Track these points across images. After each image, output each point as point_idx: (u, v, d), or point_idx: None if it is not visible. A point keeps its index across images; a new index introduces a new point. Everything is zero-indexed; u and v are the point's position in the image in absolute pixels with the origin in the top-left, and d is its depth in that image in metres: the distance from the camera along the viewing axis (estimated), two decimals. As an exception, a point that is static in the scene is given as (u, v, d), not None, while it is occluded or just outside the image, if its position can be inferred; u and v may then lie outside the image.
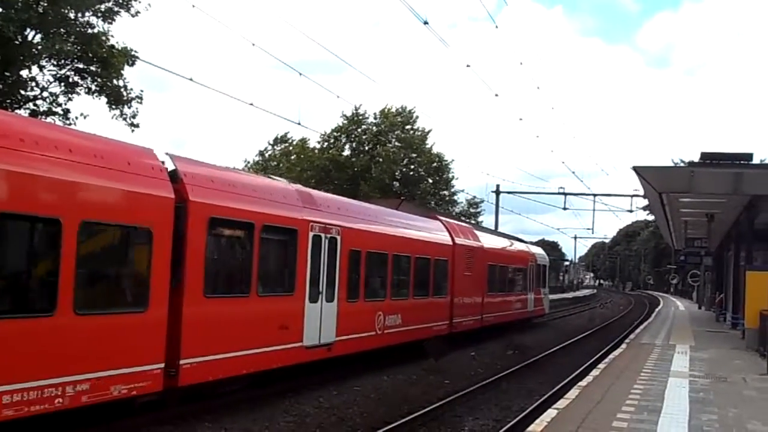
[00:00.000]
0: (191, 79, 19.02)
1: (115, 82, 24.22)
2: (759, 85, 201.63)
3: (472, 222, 52.35)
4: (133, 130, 24.89)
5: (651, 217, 71.76)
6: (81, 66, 23.98)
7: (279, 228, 13.82)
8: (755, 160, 23.85)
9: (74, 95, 24.47)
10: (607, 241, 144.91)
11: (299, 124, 36.10)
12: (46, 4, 22.08)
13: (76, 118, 24.20)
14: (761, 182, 20.74)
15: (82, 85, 24.31)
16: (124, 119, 24.81)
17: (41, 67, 23.67)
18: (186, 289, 11.18)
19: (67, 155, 9.39)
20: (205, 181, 11.97)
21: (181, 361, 11.03)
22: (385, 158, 53.22)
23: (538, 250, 38.72)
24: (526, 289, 33.50)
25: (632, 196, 47.68)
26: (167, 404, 11.42)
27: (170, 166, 11.39)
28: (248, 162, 60.27)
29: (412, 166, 55.99)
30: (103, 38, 23.61)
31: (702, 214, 27.44)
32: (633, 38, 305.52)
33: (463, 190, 60.29)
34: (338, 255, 15.66)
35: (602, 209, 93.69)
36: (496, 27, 41.24)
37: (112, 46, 23.73)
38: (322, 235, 15.06)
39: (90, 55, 23.41)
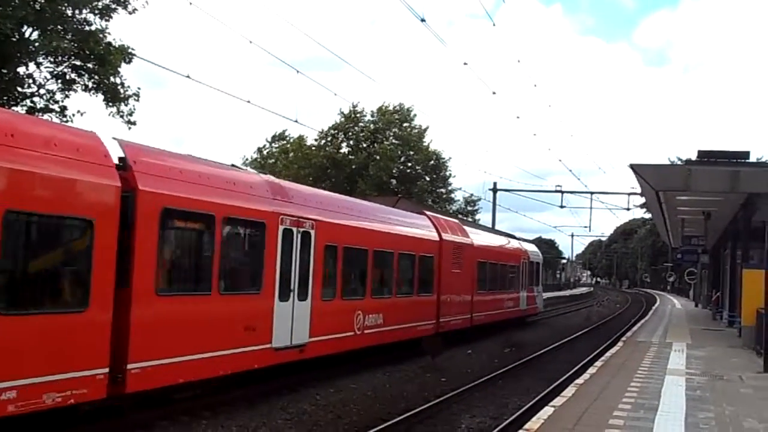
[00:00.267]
0: (188, 77, 19.02)
1: (112, 79, 24.16)
2: (756, 83, 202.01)
3: (469, 219, 52.46)
4: (130, 128, 24.84)
5: (648, 215, 71.79)
6: (78, 63, 23.89)
7: (244, 221, 13.01)
8: (752, 158, 23.91)
9: (71, 92, 24.39)
10: (604, 239, 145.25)
11: (296, 121, 36.12)
12: (43, 1, 21.99)
13: (73, 115, 24.17)
14: (758, 180, 20.77)
15: (79, 83, 24.23)
16: (121, 117, 24.77)
17: (38, 64, 23.59)
18: (135, 287, 10.27)
19: None
20: (159, 169, 11.02)
21: (129, 366, 10.12)
22: (383, 156, 53.25)
23: (531, 247, 38.05)
24: (519, 287, 32.77)
25: (629, 194, 47.74)
26: (123, 412, 10.68)
27: (119, 153, 10.50)
28: (246, 159, 60.34)
29: (410, 164, 56.04)
30: (101, 35, 23.54)
31: (699, 212, 27.47)
32: (631, 36, 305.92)
33: (460, 188, 60.43)
34: (312, 250, 14.77)
35: (599, 207, 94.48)
36: (494, 25, 41.18)
37: (109, 44, 23.66)
38: (294, 229, 14.15)
39: (87, 52, 23.34)
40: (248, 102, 27.54)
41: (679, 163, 44.78)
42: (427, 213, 23.56)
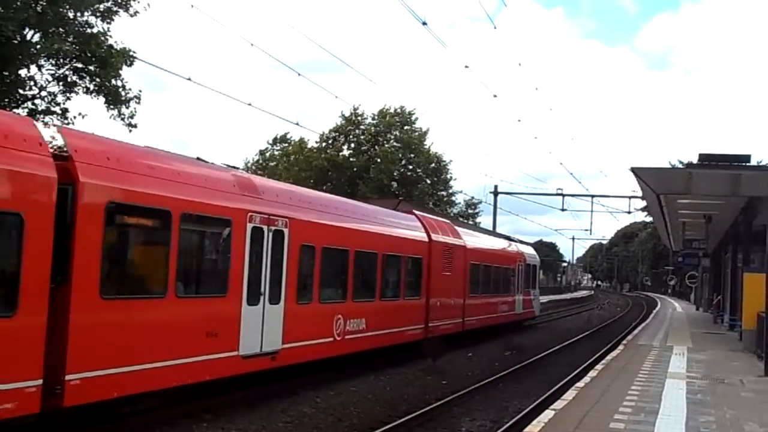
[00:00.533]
0: (189, 79, 19.09)
1: (113, 82, 24.20)
2: (757, 86, 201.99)
3: (470, 222, 52.47)
4: (130, 130, 24.88)
5: (649, 219, 71.74)
6: (79, 65, 23.93)
7: (206, 218, 11.91)
8: (753, 162, 23.89)
9: (72, 95, 24.43)
10: (605, 242, 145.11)
11: (297, 124, 36.30)
12: (45, 4, 22.04)
13: (75, 117, 24.20)
14: (759, 184, 20.79)
15: (80, 85, 24.26)
16: (122, 119, 24.80)
17: (40, 67, 23.63)
18: (74, 290, 9.29)
19: None
20: (105, 160, 10.00)
21: (68, 377, 9.14)
22: (384, 159, 53.30)
23: (527, 249, 37.11)
24: (514, 291, 31.80)
25: (630, 197, 47.77)
26: (62, 428, 9.66)
27: (58, 141, 9.67)
28: (248, 161, 60.42)
29: (410, 167, 56.08)
30: (102, 38, 23.59)
31: (700, 216, 27.48)
32: (632, 40, 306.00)
33: (461, 191, 60.44)
34: (286, 250, 13.76)
35: (600, 210, 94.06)
36: (495, 28, 41.30)
37: (111, 46, 23.71)
38: (265, 227, 13.13)
39: (88, 54, 23.37)
40: (249, 104, 27.65)
41: (680, 166, 44.78)
42: (416, 213, 22.62)
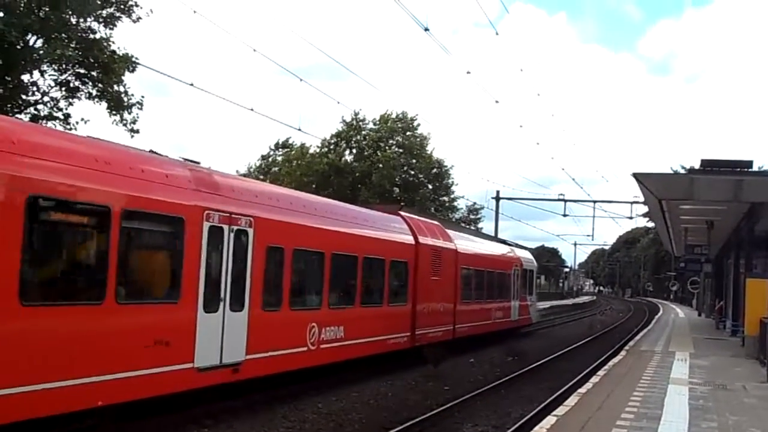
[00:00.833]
0: (192, 85, 19.24)
1: (115, 87, 24.27)
2: (760, 92, 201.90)
3: (472, 228, 52.45)
4: (132, 136, 24.95)
5: (651, 224, 71.76)
6: (82, 71, 24.02)
7: (154, 215, 10.78)
8: (755, 168, 23.91)
9: (75, 100, 24.52)
10: (606, 247, 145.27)
11: (300, 129, 36.40)
12: (47, 9, 22.14)
13: (77, 123, 24.25)
14: (761, 189, 20.77)
15: (83, 90, 24.35)
16: (125, 125, 24.87)
17: (42, 72, 23.71)
18: None
19: None
20: (25, 148, 8.90)
21: None
22: (386, 164, 53.33)
23: (524, 254, 35.96)
24: (510, 297, 30.64)
25: (632, 203, 47.79)
26: None
27: None
28: (251, 166, 60.43)
29: (412, 172, 56.10)
30: (105, 44, 23.68)
31: (702, 221, 27.45)
32: (635, 45, 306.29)
33: (463, 197, 60.32)
34: (250, 252, 12.64)
35: (602, 216, 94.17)
36: (497, 34, 41.34)
37: (114, 52, 23.79)
38: (225, 226, 12.01)
39: (91, 60, 23.47)
40: (252, 110, 27.64)
41: (682, 172, 44.81)
42: (403, 214, 21.38)
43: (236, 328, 12.25)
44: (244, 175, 43.62)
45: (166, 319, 10.87)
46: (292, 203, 14.82)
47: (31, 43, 22.70)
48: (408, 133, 56.46)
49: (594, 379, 15.56)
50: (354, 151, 56.01)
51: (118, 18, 24.08)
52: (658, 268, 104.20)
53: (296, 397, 14.32)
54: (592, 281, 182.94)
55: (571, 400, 12.66)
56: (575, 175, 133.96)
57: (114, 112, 24.70)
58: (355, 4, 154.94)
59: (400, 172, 54.96)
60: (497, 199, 52.71)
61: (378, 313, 18.02)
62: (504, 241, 36.30)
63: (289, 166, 56.55)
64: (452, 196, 58.84)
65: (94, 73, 24.02)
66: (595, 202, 51.54)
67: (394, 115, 56.09)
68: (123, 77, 24.33)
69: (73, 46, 22.98)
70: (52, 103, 24.26)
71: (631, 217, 52.96)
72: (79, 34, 23.43)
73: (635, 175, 20.47)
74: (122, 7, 24.06)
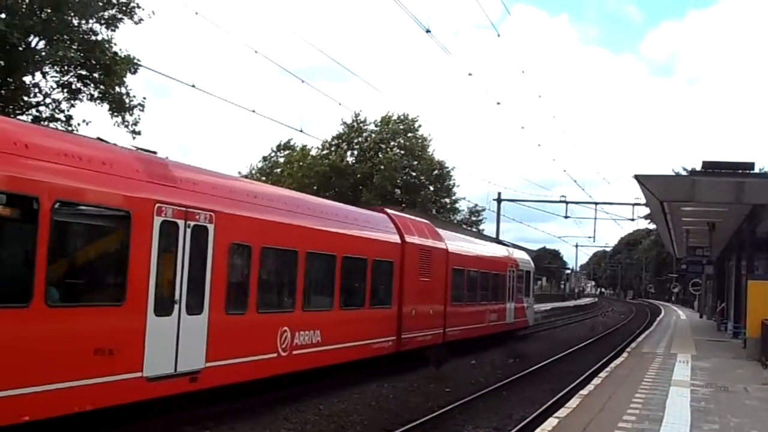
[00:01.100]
0: (194, 86, 19.16)
1: (117, 89, 24.31)
2: (762, 94, 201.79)
3: (473, 230, 52.47)
4: (134, 137, 24.98)
5: (652, 226, 71.78)
6: (84, 73, 24.06)
7: (93, 208, 9.81)
8: (757, 169, 23.92)
9: (77, 102, 24.57)
10: (608, 249, 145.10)
11: (301, 131, 36.41)
12: (49, 11, 22.17)
13: (79, 124, 24.29)
14: (763, 191, 20.77)
15: (84, 92, 24.39)
16: (126, 126, 24.91)
17: (44, 74, 23.76)
18: None
19: None
20: None
21: None
22: (387, 165, 53.36)
23: (520, 255, 34.84)
24: (505, 299, 29.55)
25: (634, 204, 47.70)
26: None
27: None
28: (253, 167, 60.46)
29: (414, 174, 56.13)
30: (107, 45, 23.71)
31: (703, 223, 27.45)
32: (637, 47, 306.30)
33: (464, 198, 60.39)
34: (210, 250, 11.57)
35: (604, 218, 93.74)
36: (499, 35, 41.24)
37: (115, 54, 23.82)
38: (181, 221, 10.94)
39: (93, 62, 23.51)
40: (253, 111, 27.53)
41: (683, 173, 44.75)
42: (388, 211, 20.36)
43: (194, 334, 11.22)
44: (246, 177, 43.65)
45: (109, 323, 9.83)
46: (258, 198, 13.67)
47: (33, 44, 22.74)
48: (409, 134, 56.51)
49: (596, 381, 15.55)
50: (355, 152, 56.06)
51: (120, 19, 24.13)
52: (660, 270, 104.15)
53: (297, 398, 14.32)
54: (593, 283, 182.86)
55: (573, 402, 12.65)
56: (577, 176, 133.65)
57: (116, 114, 24.75)
58: (357, 5, 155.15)
59: (401, 174, 55.01)
60: (498, 200, 52.68)
61: (360, 315, 17.01)
62: (501, 242, 36.07)
63: (291, 167, 56.60)
64: (454, 197, 58.96)
65: (95, 75, 24.06)
66: (596, 203, 51.46)
67: (395, 117, 56.18)
68: (125, 79, 24.39)
69: (74, 47, 23.01)
70: (54, 104, 24.34)
71: (632, 219, 53.20)
72: (81, 36, 23.47)
73: (637, 177, 20.47)
74: (124, 8, 24.10)
